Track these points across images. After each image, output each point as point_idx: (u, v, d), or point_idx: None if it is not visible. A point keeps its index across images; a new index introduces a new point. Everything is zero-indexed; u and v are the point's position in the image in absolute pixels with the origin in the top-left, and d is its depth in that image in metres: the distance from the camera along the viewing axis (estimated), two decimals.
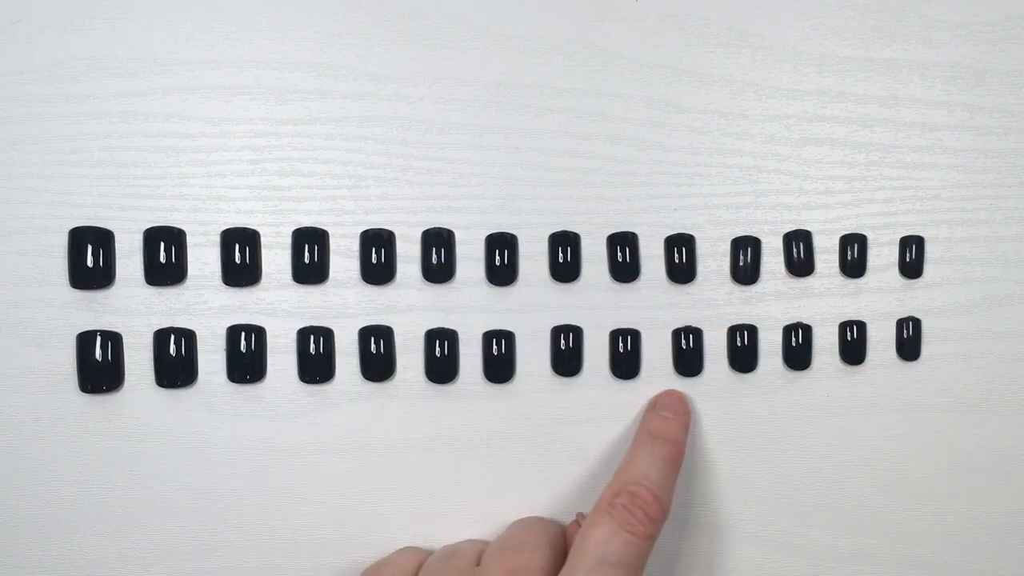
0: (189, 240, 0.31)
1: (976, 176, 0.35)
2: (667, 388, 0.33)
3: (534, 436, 0.33)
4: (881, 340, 0.34)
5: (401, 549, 0.32)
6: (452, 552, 0.30)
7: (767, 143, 0.34)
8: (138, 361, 0.31)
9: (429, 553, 0.31)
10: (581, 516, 0.31)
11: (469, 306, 0.32)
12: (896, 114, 0.34)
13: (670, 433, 0.31)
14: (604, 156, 0.33)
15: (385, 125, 0.32)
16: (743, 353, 0.33)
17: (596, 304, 0.33)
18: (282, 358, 0.31)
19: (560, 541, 0.30)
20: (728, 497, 0.34)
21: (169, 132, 0.31)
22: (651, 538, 0.28)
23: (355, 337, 0.32)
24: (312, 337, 0.31)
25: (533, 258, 0.33)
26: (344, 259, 0.32)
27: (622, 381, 0.33)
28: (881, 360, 0.34)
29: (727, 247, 0.33)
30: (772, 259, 0.34)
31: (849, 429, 0.34)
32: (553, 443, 0.33)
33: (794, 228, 0.34)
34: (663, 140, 0.33)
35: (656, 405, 0.32)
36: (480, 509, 0.33)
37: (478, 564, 0.29)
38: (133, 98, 0.31)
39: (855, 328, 0.34)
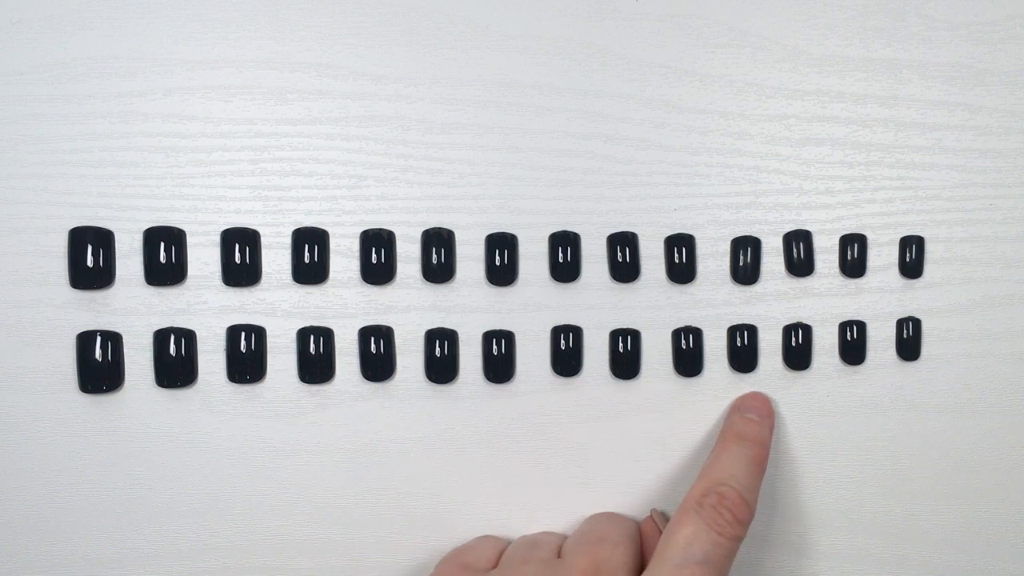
0: (189, 240, 0.31)
1: (976, 176, 0.34)
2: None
3: (534, 436, 0.33)
4: (881, 340, 0.34)
5: (480, 537, 0.32)
6: (533, 542, 0.30)
7: (767, 143, 0.34)
8: (138, 361, 0.31)
9: (507, 542, 0.31)
10: (656, 513, 0.31)
11: (469, 306, 0.32)
12: (896, 114, 0.34)
13: (756, 435, 0.31)
14: (604, 156, 0.33)
15: (385, 125, 0.32)
16: (743, 353, 0.33)
17: (596, 304, 0.33)
18: (282, 358, 0.31)
19: (637, 538, 0.30)
20: None
21: (169, 132, 0.31)
22: (738, 540, 0.28)
23: (355, 337, 0.32)
24: (312, 337, 0.31)
25: (533, 258, 0.33)
26: (344, 259, 0.32)
27: (622, 381, 0.33)
28: (881, 360, 0.34)
29: (727, 247, 0.33)
30: (772, 259, 0.34)
31: (849, 429, 0.34)
32: (553, 443, 0.33)
33: (794, 228, 0.34)
34: (663, 140, 0.33)
35: (741, 407, 0.32)
36: (480, 509, 0.33)
37: (558, 556, 0.29)
38: (133, 98, 0.31)
39: (855, 328, 0.34)
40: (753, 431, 0.31)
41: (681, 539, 0.27)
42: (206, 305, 0.31)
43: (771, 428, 0.32)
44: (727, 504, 0.28)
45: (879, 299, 0.34)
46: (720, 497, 0.28)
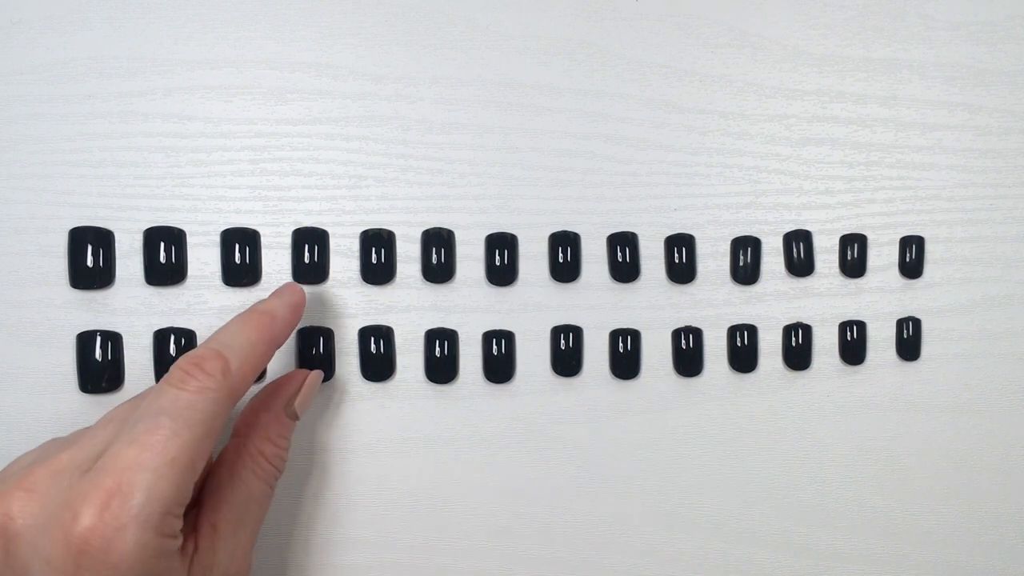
0: (189, 240, 0.31)
1: (976, 176, 0.34)
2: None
3: (534, 436, 0.33)
4: (881, 340, 0.34)
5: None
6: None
7: (767, 143, 0.34)
8: (138, 361, 0.31)
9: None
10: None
11: (469, 306, 0.32)
12: (896, 114, 0.34)
13: (266, 306, 0.28)
14: (604, 156, 0.33)
15: (385, 125, 0.32)
16: (743, 353, 0.33)
17: (596, 304, 0.33)
18: (282, 358, 0.31)
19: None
20: (728, 497, 0.34)
21: (169, 132, 0.31)
22: (208, 391, 0.25)
23: (355, 337, 0.32)
24: (312, 337, 0.31)
25: (533, 258, 0.33)
26: (344, 259, 0.32)
27: (622, 381, 0.33)
28: (881, 360, 0.34)
29: (727, 247, 0.33)
30: (772, 259, 0.34)
31: (849, 429, 0.34)
32: (553, 443, 0.33)
33: (794, 228, 0.34)
34: (663, 140, 0.33)
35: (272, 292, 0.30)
36: (480, 509, 0.32)
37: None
38: (133, 98, 0.31)
39: (855, 328, 0.34)
40: (265, 303, 0.29)
41: (145, 403, 0.25)
42: (206, 305, 0.31)
43: (290, 305, 0.29)
44: (194, 361, 0.25)
45: (879, 299, 0.34)
46: (188, 358, 0.25)
